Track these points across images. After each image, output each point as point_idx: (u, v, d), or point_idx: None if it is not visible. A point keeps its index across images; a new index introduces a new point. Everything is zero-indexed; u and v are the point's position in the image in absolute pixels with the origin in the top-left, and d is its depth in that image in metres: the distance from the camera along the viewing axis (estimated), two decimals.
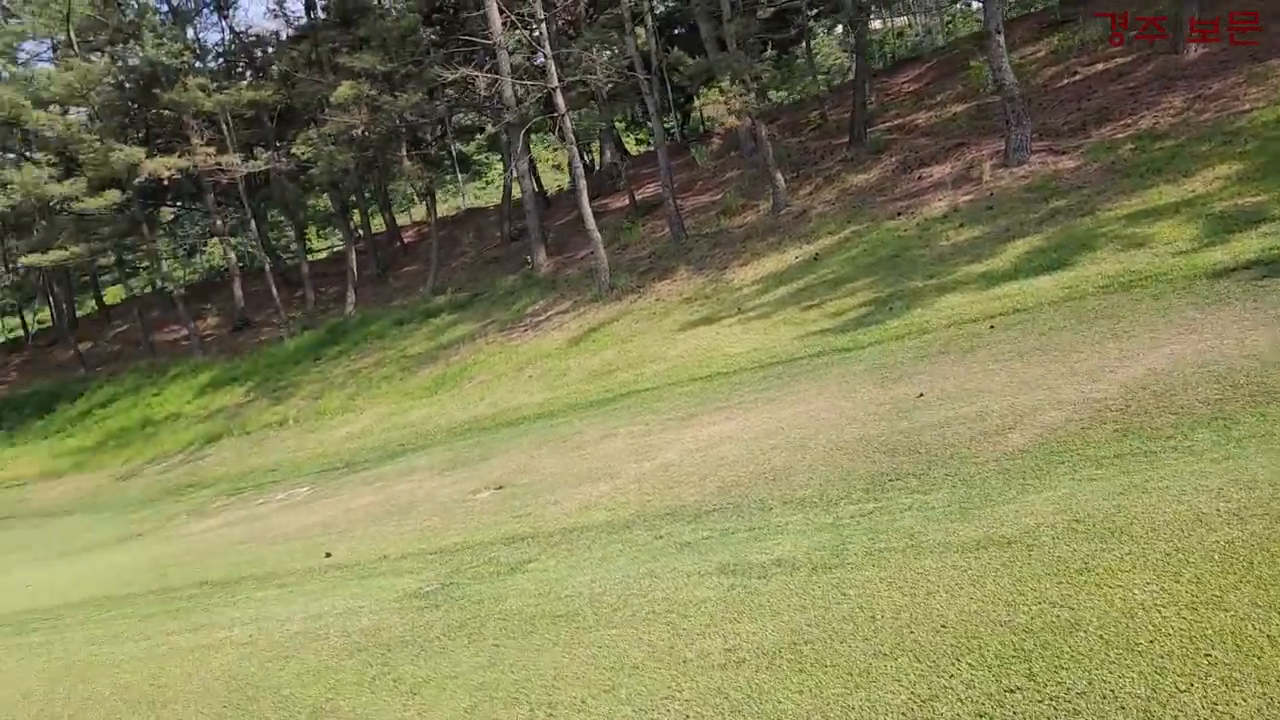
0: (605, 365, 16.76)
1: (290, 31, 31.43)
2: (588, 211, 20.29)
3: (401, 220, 40.18)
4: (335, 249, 43.14)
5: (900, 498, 6.51)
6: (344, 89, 23.20)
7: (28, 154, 31.69)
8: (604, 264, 20.33)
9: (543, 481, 10.46)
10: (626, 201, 26.10)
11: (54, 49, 34.20)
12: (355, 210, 34.03)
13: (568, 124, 20.17)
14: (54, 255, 27.83)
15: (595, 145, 32.33)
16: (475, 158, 39.57)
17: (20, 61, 31.52)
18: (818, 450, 8.33)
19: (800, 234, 19.01)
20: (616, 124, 28.63)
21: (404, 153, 26.47)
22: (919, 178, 19.25)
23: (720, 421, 10.85)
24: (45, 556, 15.98)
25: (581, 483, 9.77)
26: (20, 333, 46.53)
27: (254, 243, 40.01)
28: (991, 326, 11.44)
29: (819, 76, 27.44)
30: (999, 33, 16.70)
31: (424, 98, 25.26)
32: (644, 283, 20.31)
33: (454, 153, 32.06)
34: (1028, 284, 12.70)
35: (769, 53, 24.83)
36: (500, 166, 52.61)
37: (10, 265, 45.67)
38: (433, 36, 27.15)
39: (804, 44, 26.61)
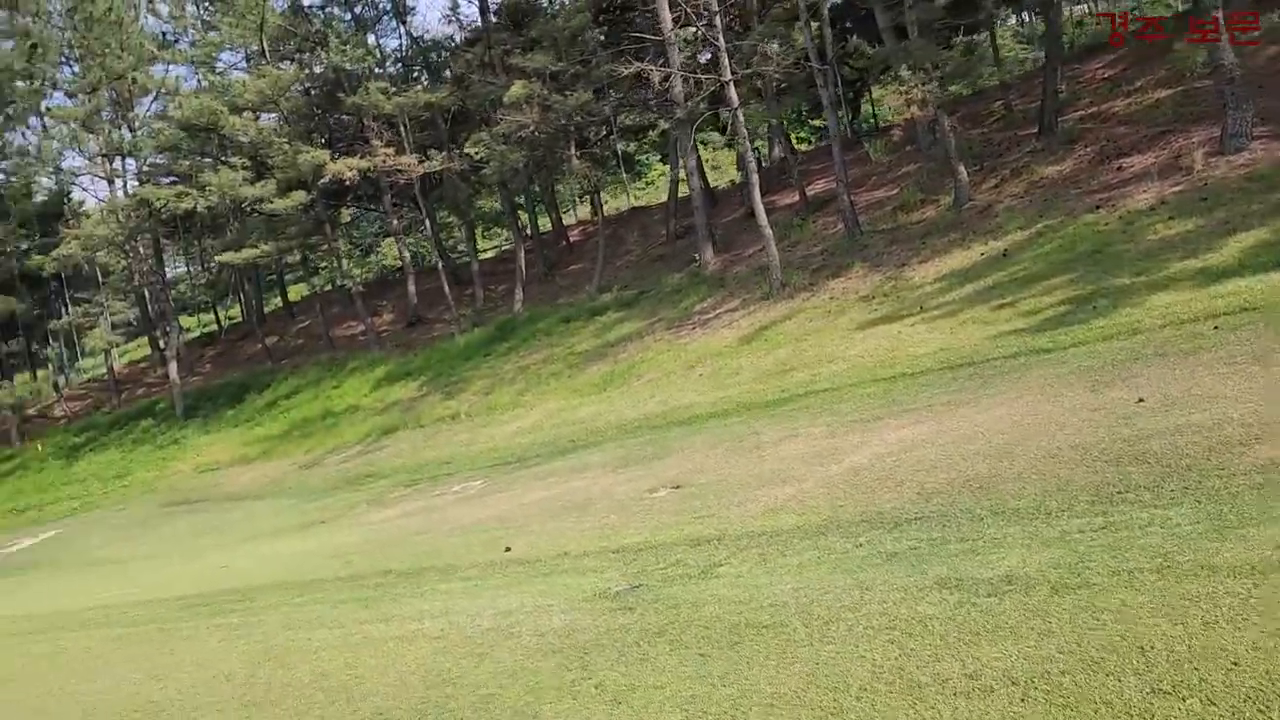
0: (779, 364, 16.29)
1: (464, 35, 32.27)
2: (760, 207, 19.86)
3: (566, 220, 40.68)
4: (502, 248, 44.17)
5: (1135, 512, 5.86)
6: (516, 88, 23.57)
7: (223, 158, 33.61)
8: (775, 261, 19.85)
9: (722, 482, 10.13)
10: (796, 198, 25.52)
11: (247, 59, 36.24)
12: (522, 210, 34.64)
13: (740, 117, 19.79)
14: (246, 253, 29.44)
15: (761, 142, 31.78)
16: (638, 157, 39.73)
17: (218, 70, 33.53)
18: (1026, 458, 7.69)
19: (985, 229, 18.03)
20: (778, 120, 28.00)
21: (572, 151, 26.70)
22: (1118, 168, 17.93)
23: (910, 425, 10.26)
24: (236, 539, 16.75)
25: (764, 485, 9.39)
26: (214, 327, 49.65)
27: (426, 242, 41.36)
28: (1216, 327, 10.41)
29: (999, 67, 26.03)
30: (1218, 9, 15.32)
31: (592, 97, 25.40)
32: (816, 280, 19.73)
33: (619, 152, 32.17)
34: (1256, 280, 11.52)
35: (959, 39, 23.71)
36: (660, 166, 52.82)
37: (206, 264, 48.82)
38: (600, 36, 27.32)
39: (987, 31, 25.34)
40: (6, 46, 36.97)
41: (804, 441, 10.96)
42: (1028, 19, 30.35)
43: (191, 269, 53.52)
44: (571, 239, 36.84)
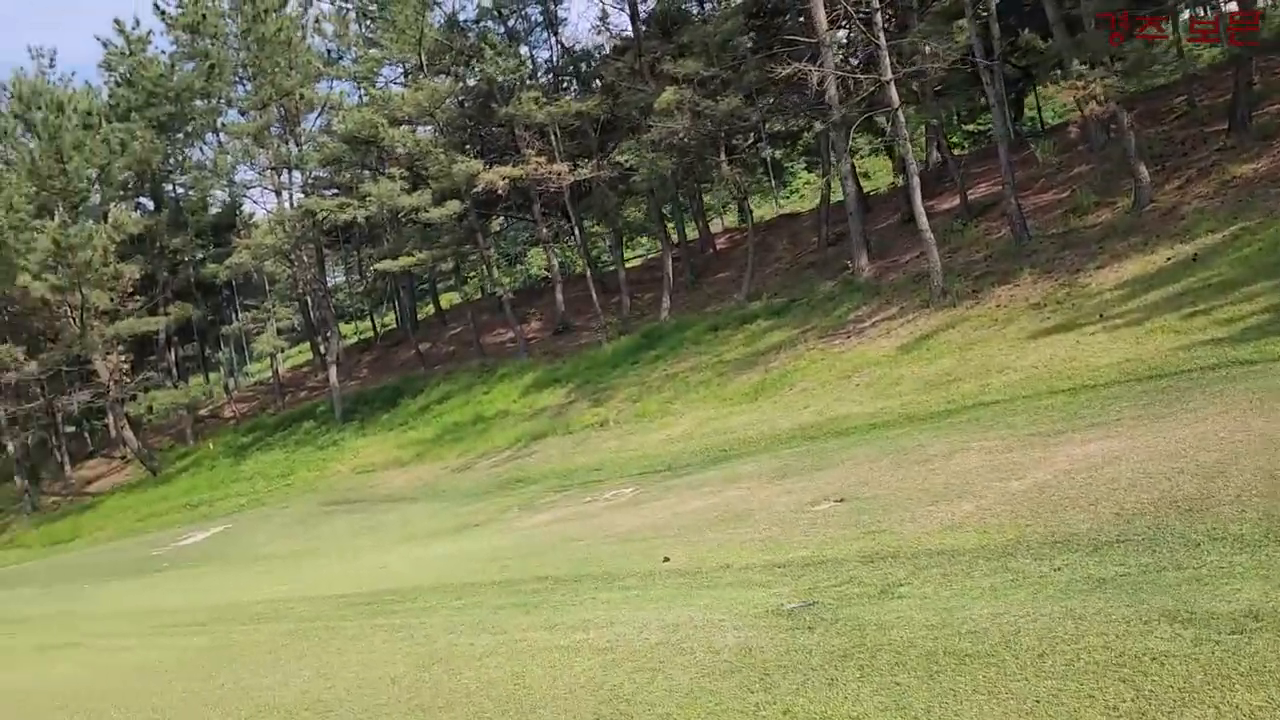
0: (943, 375, 15.54)
1: (614, 44, 32.47)
2: (921, 210, 19.09)
3: (712, 228, 40.41)
4: (648, 257, 44.29)
5: None
6: (668, 94, 23.46)
7: (381, 170, 34.77)
8: (937, 267, 19.03)
9: (890, 496, 9.59)
10: (955, 202, 24.51)
11: (405, 73, 37.46)
12: (668, 218, 34.54)
13: (900, 118, 19.09)
14: (403, 261, 30.33)
15: (916, 146, 30.70)
16: (785, 165, 39.13)
17: (378, 85, 34.74)
18: (1242, 479, 6.92)
19: (1171, 233, 16.78)
20: (938, 121, 26.98)
21: (722, 158, 26.39)
22: None
23: (1097, 440, 9.49)
24: (393, 540, 17.09)
25: (938, 500, 8.82)
26: (370, 334, 51.56)
27: (571, 250, 41.85)
28: None
29: (1180, 60, 24.35)
30: None
31: (742, 102, 25.05)
32: (980, 287, 18.80)
33: (768, 158, 31.68)
34: None
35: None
36: (804, 174, 52.01)
37: (363, 273, 50.75)
38: (749, 41, 26.95)
39: (1170, 22, 23.70)
40: (188, 68, 39.38)
41: (978, 455, 10.31)
42: (1208, 8, 28.22)
43: (349, 278, 55.80)
44: (718, 246, 36.55)
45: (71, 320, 36.64)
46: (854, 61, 26.34)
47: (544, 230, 33.12)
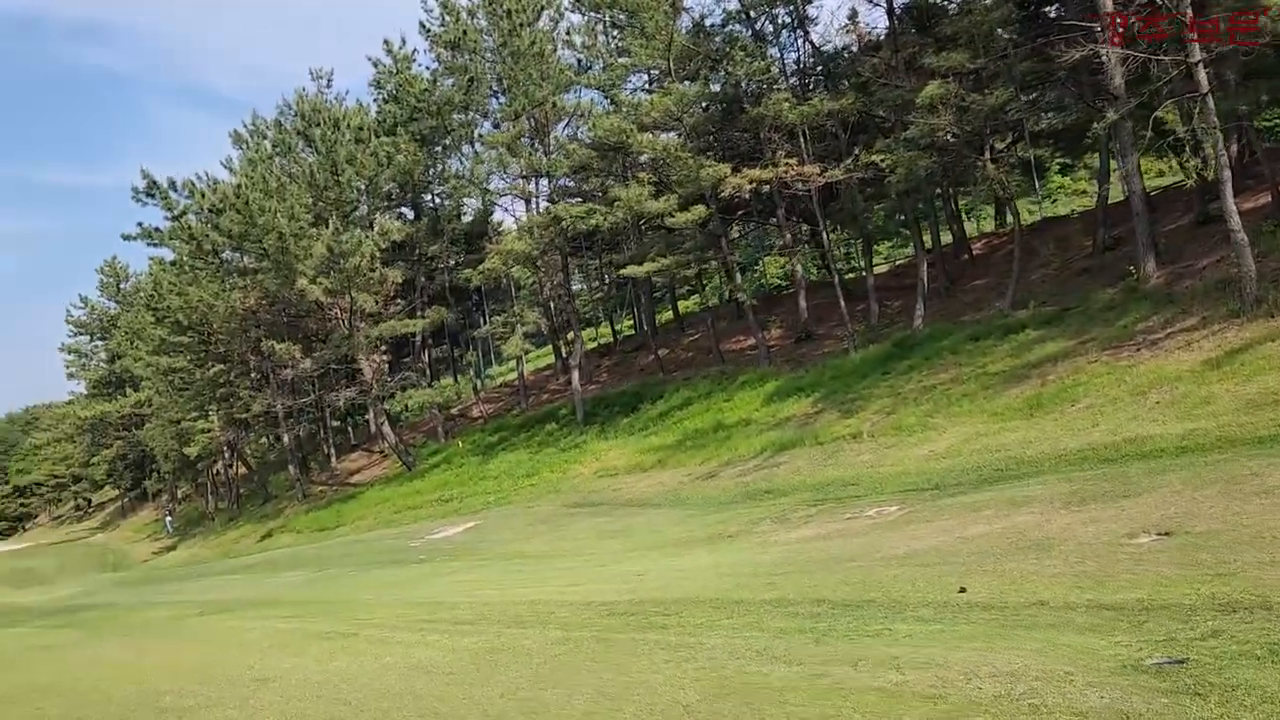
0: (1267, 394, 13.50)
1: (865, 41, 31.22)
2: (1232, 209, 16.82)
3: (968, 232, 38.19)
4: (895, 262, 42.54)
5: None
6: (931, 88, 22.08)
7: (625, 176, 35.06)
8: (1251, 272, 16.71)
9: (1232, 533, 8.18)
10: (1264, 200, 21.66)
11: (649, 81, 37.72)
12: (923, 222, 32.82)
13: (1210, 104, 16.86)
14: (647, 267, 30.38)
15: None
16: (1050, 164, 36.38)
17: (627, 92, 35.12)
18: None
19: None
20: (1248, 108, 23.95)
21: (987, 156, 24.61)
22: None
23: None
24: (643, 546, 16.79)
25: None
26: (608, 339, 52.47)
27: (814, 256, 40.74)
28: None
29: None
30: None
31: (1011, 94, 23.24)
32: None
33: (1031, 158, 29.43)
34: None
35: None
36: (1058, 177, 48.43)
37: (603, 278, 51.73)
38: (1014, 31, 25.02)
39: None
40: (448, 83, 41.40)
41: None
42: None
43: (588, 285, 57.12)
44: (974, 252, 34.41)
45: (341, 322, 39.28)
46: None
47: (787, 236, 32.27)
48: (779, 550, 12.68)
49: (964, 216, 38.58)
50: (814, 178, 26.95)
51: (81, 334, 72.43)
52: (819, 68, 32.10)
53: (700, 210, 29.00)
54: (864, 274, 33.59)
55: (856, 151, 28.57)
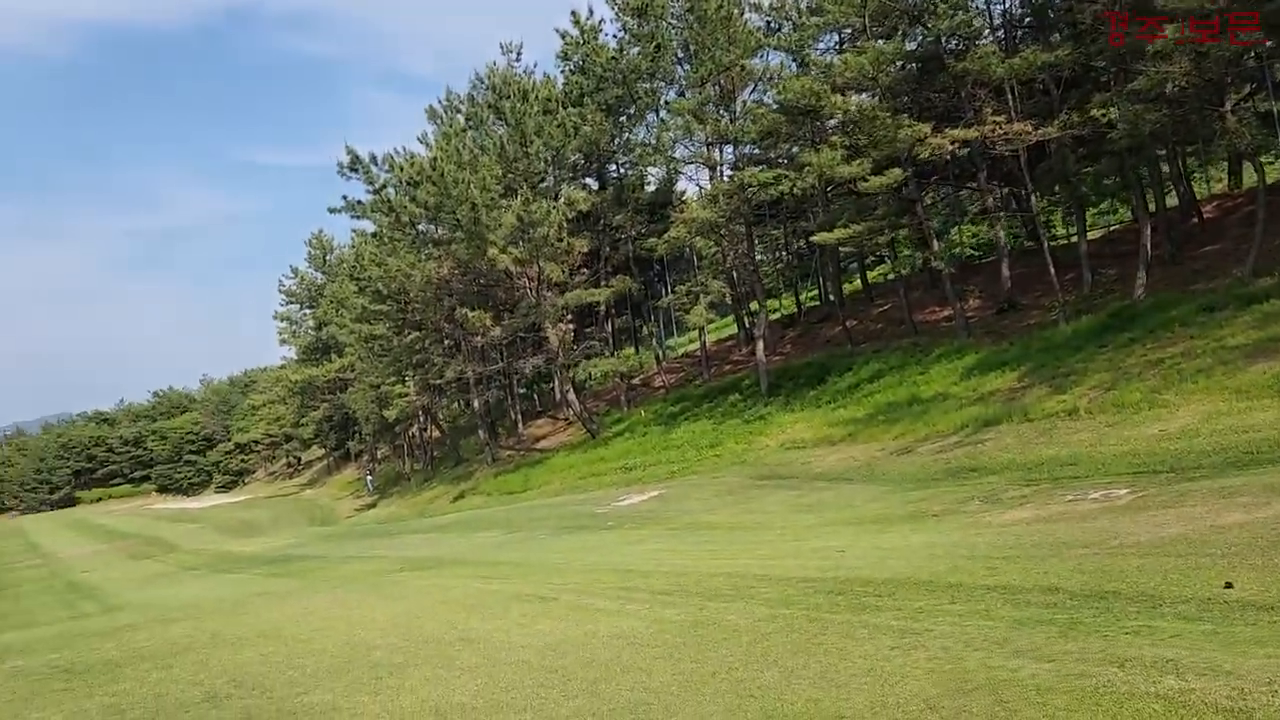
0: None
1: None
2: None
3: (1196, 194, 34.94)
4: (1110, 228, 39.60)
5: None
6: (1171, 30, 20.01)
7: (816, 140, 33.94)
8: None
9: None
10: None
11: (840, 41, 36.33)
12: (1146, 183, 30.15)
13: None
14: (838, 233, 29.30)
15: None
16: None
17: (819, 52, 33.95)
18: None
19: None
20: None
21: (1226, 108, 22.20)
22: None
23: None
24: (838, 522, 16.10)
25: None
26: (792, 310, 51.40)
27: (1016, 222, 38.38)
28: None
29: None
30: None
31: (1259, 36, 20.82)
32: None
33: (1275, 110, 26.48)
34: None
35: None
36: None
37: (788, 247, 50.65)
38: None
39: None
40: (634, 52, 41.24)
41: None
42: None
43: (770, 254, 56.08)
44: (1204, 215, 31.41)
45: (529, 290, 40.01)
46: None
47: (989, 199, 30.41)
48: (994, 533, 11.76)
49: (1190, 177, 35.29)
50: (1024, 136, 25.10)
51: (292, 302, 77.18)
52: (1027, 18, 29.87)
53: (896, 174, 27.66)
54: (1074, 240, 31.29)
55: (1066, 108, 26.48)
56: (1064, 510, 12.41)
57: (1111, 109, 23.03)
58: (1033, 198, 28.32)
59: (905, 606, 8.02)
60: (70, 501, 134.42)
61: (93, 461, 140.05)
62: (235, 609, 14.05)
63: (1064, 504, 12.89)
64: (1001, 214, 33.45)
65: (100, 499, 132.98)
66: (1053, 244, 35.24)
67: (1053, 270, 26.96)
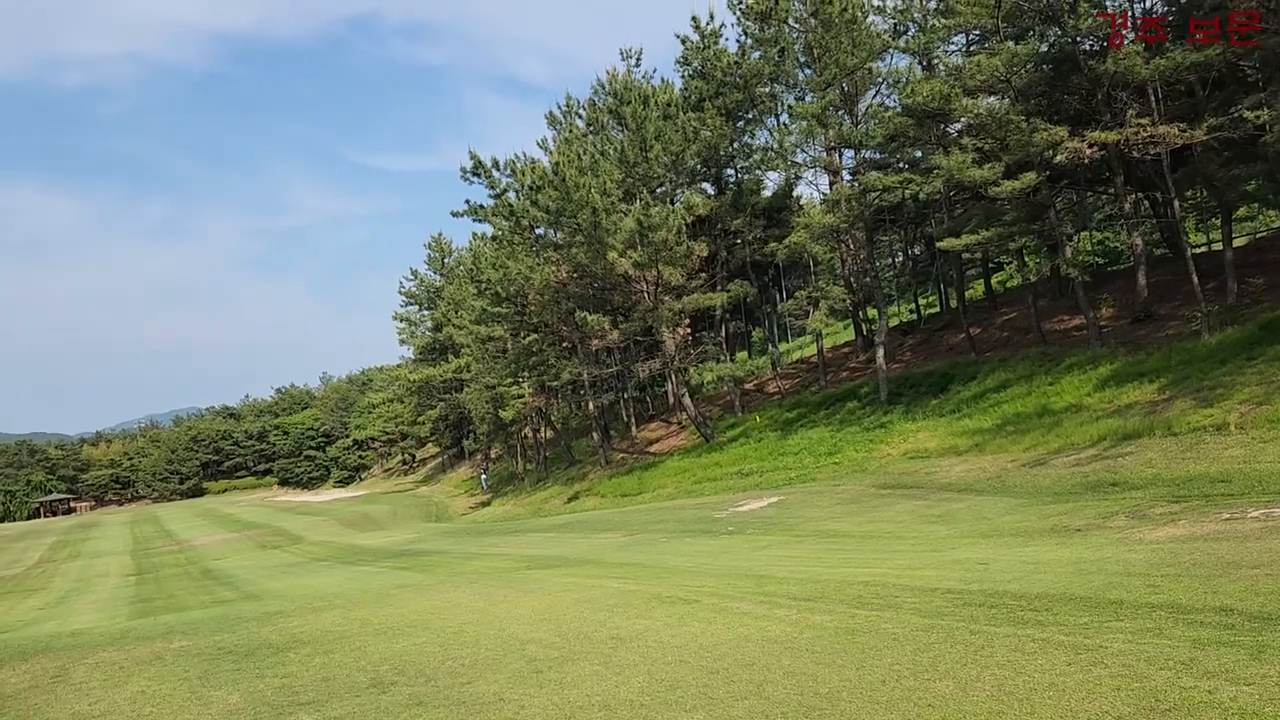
0: None
1: None
2: None
3: None
4: (1257, 233, 37.73)
5: None
6: None
7: (939, 145, 33.28)
8: None
9: None
10: None
11: (968, 42, 35.54)
12: None
13: None
14: (966, 239, 28.64)
15: None
16: None
17: (948, 54, 33.29)
18: None
19: None
20: None
21: None
22: None
23: None
24: (974, 534, 15.75)
25: None
26: (911, 317, 50.45)
27: (1153, 228, 36.91)
28: None
29: None
30: None
31: None
32: None
33: None
34: None
35: None
36: None
37: (908, 254, 49.74)
38: None
39: None
40: (755, 56, 41.18)
41: None
42: None
43: (886, 261, 55.16)
44: None
45: (646, 294, 40.28)
46: None
47: (1126, 204, 29.29)
48: (1148, 550, 11.34)
49: None
50: (1171, 138, 24.09)
51: (411, 303, 79.47)
52: (1172, 16, 28.66)
53: (1030, 177, 26.89)
54: (1215, 247, 29.88)
55: (1211, 109, 25.30)
56: (1222, 529, 11.88)
57: (1263, 111, 21.92)
58: (1174, 203, 27.14)
59: (1068, 623, 7.81)
60: (198, 492, 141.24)
61: (219, 454, 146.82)
62: (379, 600, 14.52)
63: (1220, 523, 12.35)
64: (1141, 220, 32.16)
65: (225, 490, 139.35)
66: (1203, 251, 33.79)
67: (1195, 279, 25.78)
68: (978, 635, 7.57)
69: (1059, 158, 26.28)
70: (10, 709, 8.20)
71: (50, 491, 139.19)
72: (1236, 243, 32.61)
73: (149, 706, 7.97)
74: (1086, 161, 26.54)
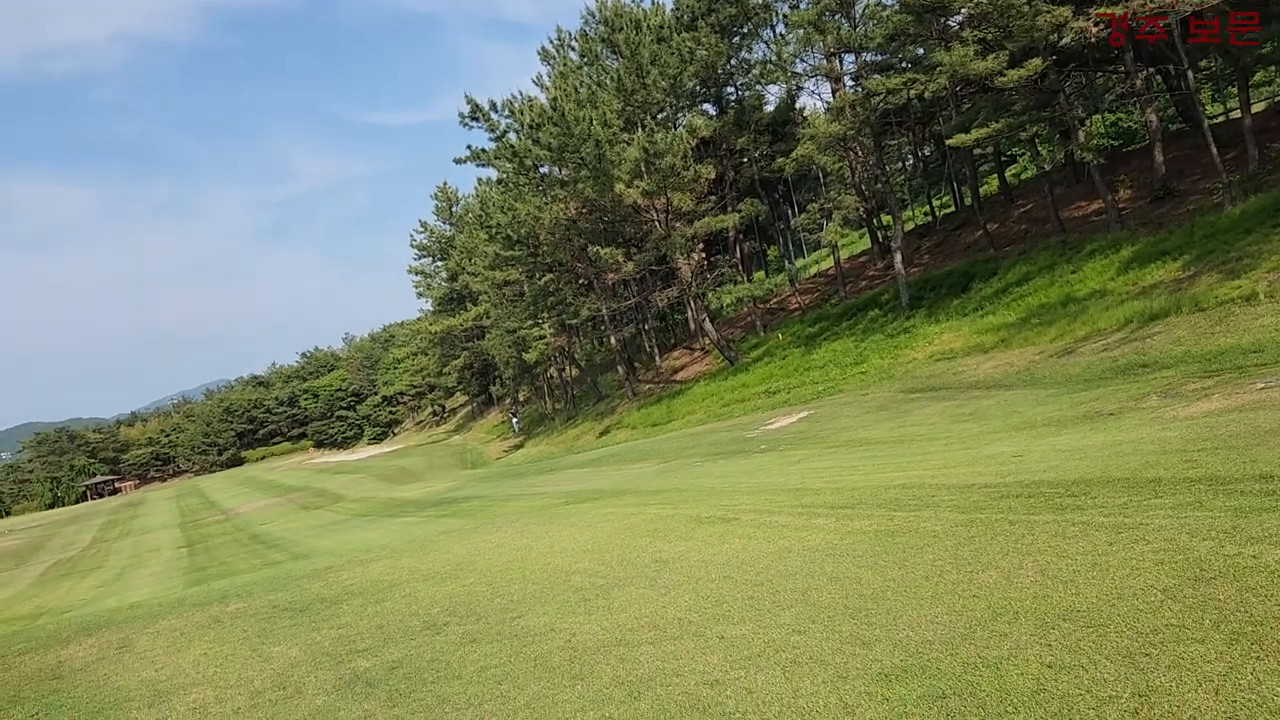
0: None
1: None
2: None
3: None
4: (1275, 98, 36.76)
5: None
6: None
7: (943, 39, 32.51)
8: None
9: None
10: None
11: None
12: None
13: None
14: (975, 133, 28.13)
15: None
16: None
17: None
18: None
19: None
20: None
21: None
22: None
23: None
24: (1006, 428, 15.73)
25: None
26: (926, 219, 49.87)
27: (1164, 103, 36.07)
28: None
29: None
30: None
31: None
32: None
33: None
34: None
35: None
36: None
37: (918, 155, 48.99)
38: None
39: None
40: None
41: None
42: None
43: (902, 164, 54.36)
44: None
45: (657, 223, 39.99)
46: None
47: (1138, 81, 28.59)
48: (1183, 426, 11.28)
49: None
50: (1181, 6, 23.36)
51: (424, 256, 79.31)
52: None
53: (1035, 64, 26.27)
54: (1233, 116, 29.18)
55: None
56: (1258, 399, 11.80)
57: None
58: (1188, 74, 26.44)
59: (1107, 504, 7.82)
60: (237, 461, 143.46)
61: (253, 423, 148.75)
62: (424, 547, 14.75)
63: (1255, 393, 12.26)
64: (1154, 96, 31.42)
65: (263, 457, 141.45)
66: (1218, 122, 33.03)
67: (1214, 150, 25.24)
68: (1017, 525, 7.60)
69: (1064, 40, 25.62)
70: (81, 681, 8.44)
71: (94, 474, 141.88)
72: (1255, 108, 31.84)
73: (212, 667, 8.17)
74: (1094, 41, 25.82)
